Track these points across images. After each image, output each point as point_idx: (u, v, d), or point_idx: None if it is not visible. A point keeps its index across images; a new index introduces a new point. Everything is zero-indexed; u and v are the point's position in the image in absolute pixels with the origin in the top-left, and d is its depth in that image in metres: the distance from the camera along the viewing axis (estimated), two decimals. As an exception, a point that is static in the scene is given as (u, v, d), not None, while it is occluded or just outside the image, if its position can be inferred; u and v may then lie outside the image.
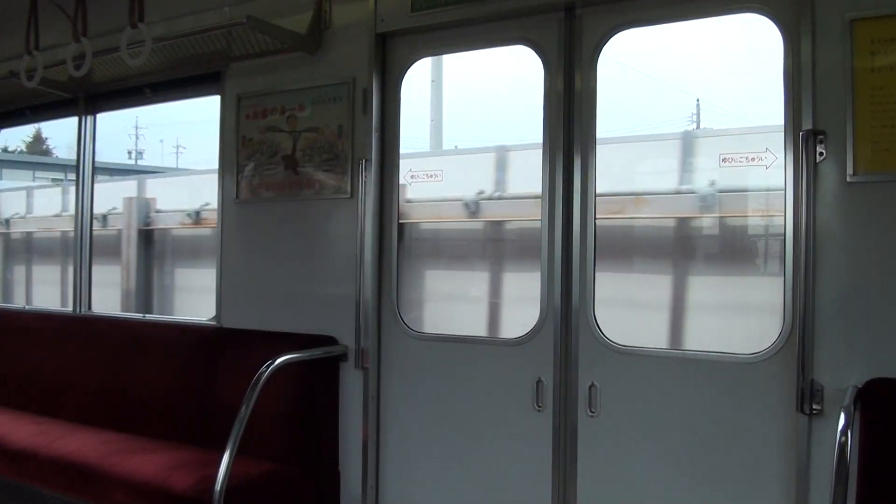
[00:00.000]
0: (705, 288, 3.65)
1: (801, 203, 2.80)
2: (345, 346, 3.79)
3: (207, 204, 5.87)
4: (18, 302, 5.97)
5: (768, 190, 3.31)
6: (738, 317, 3.47)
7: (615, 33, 3.31)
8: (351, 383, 3.80)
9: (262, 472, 3.45)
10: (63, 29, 4.03)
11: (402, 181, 3.87)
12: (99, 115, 5.03)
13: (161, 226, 6.58)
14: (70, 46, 3.95)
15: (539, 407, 3.40)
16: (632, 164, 4.00)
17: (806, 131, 2.79)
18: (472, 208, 4.33)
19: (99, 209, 5.63)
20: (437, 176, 4.40)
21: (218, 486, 3.06)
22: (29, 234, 7.13)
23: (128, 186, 6.93)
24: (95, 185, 5.09)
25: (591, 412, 3.29)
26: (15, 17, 4.30)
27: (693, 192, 3.72)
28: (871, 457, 2.61)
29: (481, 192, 4.34)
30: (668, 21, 3.24)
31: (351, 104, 3.81)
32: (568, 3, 3.36)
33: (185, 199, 6.21)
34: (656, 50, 3.61)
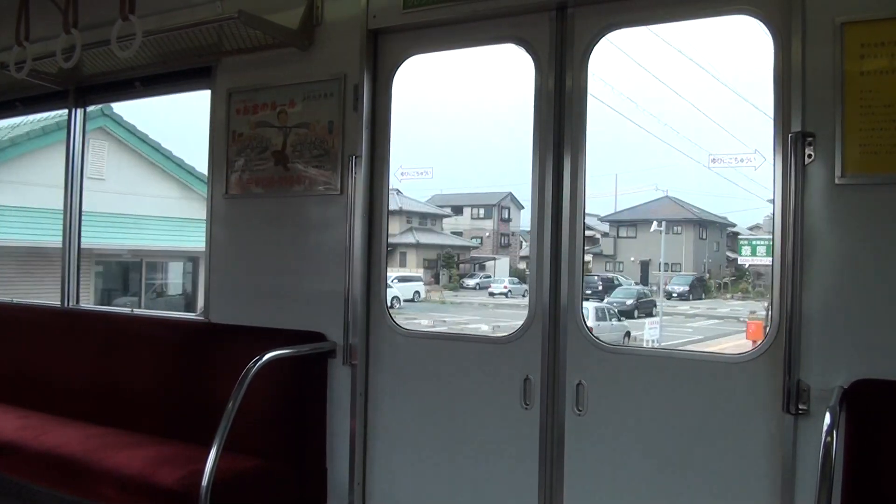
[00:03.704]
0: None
1: (790, 204, 2.81)
2: (333, 342, 3.79)
3: None
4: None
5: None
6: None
7: (607, 33, 3.31)
8: (339, 380, 3.79)
9: (249, 468, 3.44)
10: (54, 20, 4.01)
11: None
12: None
13: None
14: (60, 38, 3.93)
15: (526, 405, 3.41)
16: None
17: (795, 133, 2.81)
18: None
19: None
20: (427, 173, 4.40)
21: (204, 482, 3.05)
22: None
23: None
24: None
25: (579, 410, 3.30)
26: (5, 8, 4.28)
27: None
28: (857, 457, 2.63)
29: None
30: (660, 22, 3.25)
31: (342, 101, 3.80)
32: (560, 3, 3.36)
33: None
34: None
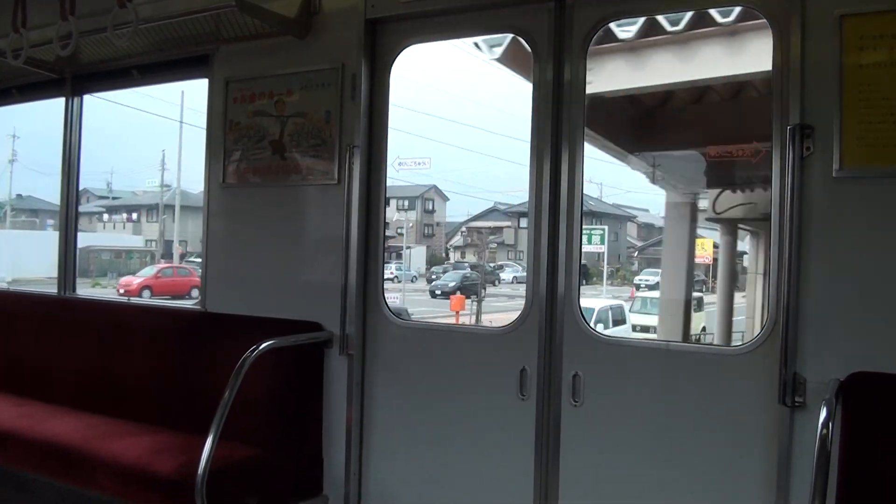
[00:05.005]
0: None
1: (787, 197, 2.80)
2: (330, 332, 3.78)
3: None
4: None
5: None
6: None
7: (606, 24, 3.31)
8: (335, 370, 3.80)
9: (245, 457, 3.45)
10: (51, 7, 3.98)
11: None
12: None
13: None
14: (57, 25, 3.91)
15: (523, 396, 3.41)
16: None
17: (794, 126, 2.80)
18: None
19: None
20: (424, 164, 4.40)
21: (200, 471, 3.06)
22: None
23: None
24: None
25: (575, 402, 3.30)
26: None
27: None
28: (852, 449, 2.64)
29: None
30: (659, 12, 3.26)
31: (339, 90, 3.79)
32: None
33: None
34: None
